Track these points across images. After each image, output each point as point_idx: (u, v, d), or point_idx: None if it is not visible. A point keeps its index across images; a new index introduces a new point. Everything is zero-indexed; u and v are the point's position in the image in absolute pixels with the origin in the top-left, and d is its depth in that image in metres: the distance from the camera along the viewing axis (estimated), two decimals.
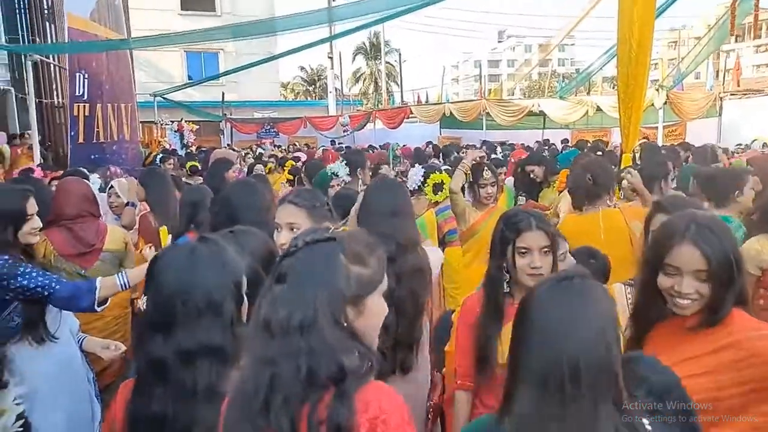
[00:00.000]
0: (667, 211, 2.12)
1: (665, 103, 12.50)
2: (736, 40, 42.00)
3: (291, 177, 6.95)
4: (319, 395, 1.12)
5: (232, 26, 13.63)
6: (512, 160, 7.50)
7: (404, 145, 13.28)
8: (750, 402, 1.44)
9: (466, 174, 3.90)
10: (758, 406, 1.44)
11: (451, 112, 15.82)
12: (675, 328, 1.60)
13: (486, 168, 3.90)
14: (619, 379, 1.11)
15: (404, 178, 5.05)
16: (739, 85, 15.21)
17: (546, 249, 1.98)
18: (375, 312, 1.26)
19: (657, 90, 11.96)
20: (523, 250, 1.98)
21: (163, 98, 16.38)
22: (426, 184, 4.36)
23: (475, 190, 3.94)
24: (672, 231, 1.55)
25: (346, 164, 4.55)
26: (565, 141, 13.23)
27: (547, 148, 11.33)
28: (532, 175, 5.84)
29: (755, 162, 4.92)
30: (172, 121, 14.98)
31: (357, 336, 1.20)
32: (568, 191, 3.66)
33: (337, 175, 4.52)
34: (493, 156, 8.02)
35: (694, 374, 1.45)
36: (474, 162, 3.92)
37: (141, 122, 11.75)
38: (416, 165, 5.42)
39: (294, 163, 8.41)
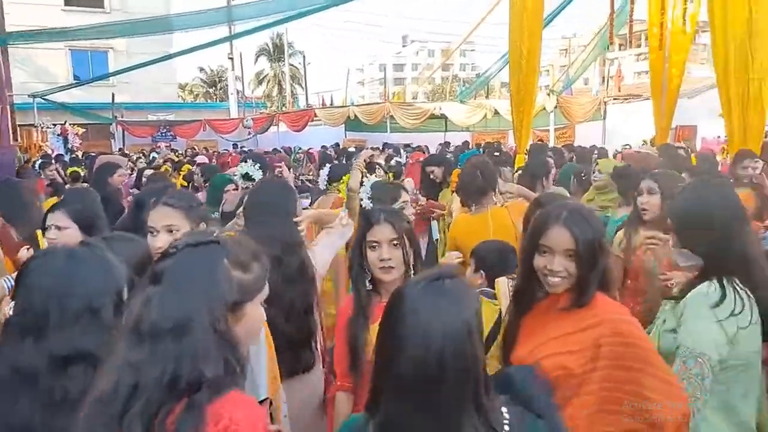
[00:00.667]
0: (544, 207, 2.21)
1: (556, 107, 13.31)
2: (619, 49, 45.69)
3: (186, 183, 6.61)
4: (173, 404, 1.08)
5: (126, 23, 12.85)
6: (411, 162, 7.60)
7: (310, 149, 13.20)
8: (605, 378, 1.56)
9: (362, 172, 3.95)
10: (613, 383, 1.57)
11: (355, 115, 15.87)
12: (547, 308, 1.74)
13: (378, 167, 3.99)
14: (482, 378, 1.13)
15: (305, 181, 5.02)
16: (620, 91, 16.42)
17: (395, 242, 1.98)
18: (253, 319, 1.26)
19: (548, 94, 12.70)
20: (373, 244, 1.99)
21: (44, 99, 15.12)
22: (341, 181, 4.38)
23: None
24: (547, 216, 1.72)
25: (259, 167, 4.36)
26: (465, 143, 13.64)
27: (450, 150, 11.62)
28: (432, 176, 5.91)
29: (629, 159, 5.25)
30: (55, 124, 13.86)
31: (231, 343, 1.17)
32: (456, 190, 3.74)
33: (252, 178, 4.31)
34: (396, 159, 8.08)
35: (560, 352, 1.60)
36: (367, 161, 3.98)
37: (19, 125, 10.75)
38: (325, 165, 5.38)
39: (191, 167, 8.01)
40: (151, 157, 12.56)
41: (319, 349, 2.45)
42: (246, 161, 4.38)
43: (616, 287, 1.78)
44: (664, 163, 4.96)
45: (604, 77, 18.65)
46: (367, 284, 2.03)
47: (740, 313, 1.80)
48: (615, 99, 15.70)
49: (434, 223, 5.36)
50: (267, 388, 1.98)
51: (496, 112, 13.62)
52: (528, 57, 7.20)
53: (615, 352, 1.57)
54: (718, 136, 11.78)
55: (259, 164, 4.25)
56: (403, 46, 78.25)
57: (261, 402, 1.88)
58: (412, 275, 1.99)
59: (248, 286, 1.22)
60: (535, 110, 13.41)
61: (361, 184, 4.01)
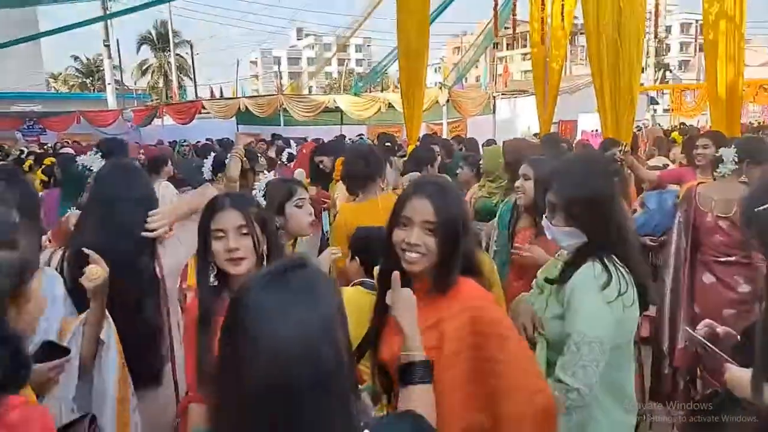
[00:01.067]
0: None
1: (448, 100, 13.62)
2: (507, 49, 48.20)
3: (46, 178, 5.87)
4: None
5: None
6: (304, 152, 7.35)
7: (198, 142, 12.51)
8: (468, 371, 1.46)
9: (242, 161, 3.73)
10: (476, 376, 1.46)
11: (247, 108, 15.26)
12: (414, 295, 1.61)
13: (260, 155, 3.76)
14: (350, 387, 0.97)
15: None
16: (506, 86, 17.17)
17: (244, 229, 1.76)
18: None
19: (440, 88, 12.95)
20: (219, 234, 1.76)
21: None
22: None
23: (249, 177, 3.85)
24: (411, 187, 1.61)
25: (101, 156, 3.88)
26: (360, 136, 13.56)
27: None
28: (321, 166, 5.71)
29: (511, 148, 5.36)
30: None
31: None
32: (342, 178, 3.57)
33: (91, 170, 3.84)
34: (288, 150, 7.75)
35: (425, 347, 1.44)
36: (247, 148, 3.74)
37: None
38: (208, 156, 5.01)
39: (54, 160, 7.17)
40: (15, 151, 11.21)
41: (170, 358, 2.15)
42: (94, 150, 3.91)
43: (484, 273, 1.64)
44: (546, 151, 5.11)
45: (493, 74, 19.47)
46: (212, 279, 1.77)
47: (625, 292, 1.76)
48: (503, 94, 16.42)
49: (325, 215, 5.17)
50: (115, 388, 1.84)
51: (391, 106, 13.67)
52: (416, 48, 7.24)
53: (477, 343, 1.46)
54: (596, 130, 12.58)
55: (101, 153, 3.80)
56: (298, 39, 77.03)
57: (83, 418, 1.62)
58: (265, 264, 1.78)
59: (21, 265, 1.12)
60: (429, 103, 13.78)
61: (253, 176, 3.74)
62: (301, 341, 0.90)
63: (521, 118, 14.69)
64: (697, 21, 45.22)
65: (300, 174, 6.29)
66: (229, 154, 3.85)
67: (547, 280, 1.93)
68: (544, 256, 2.61)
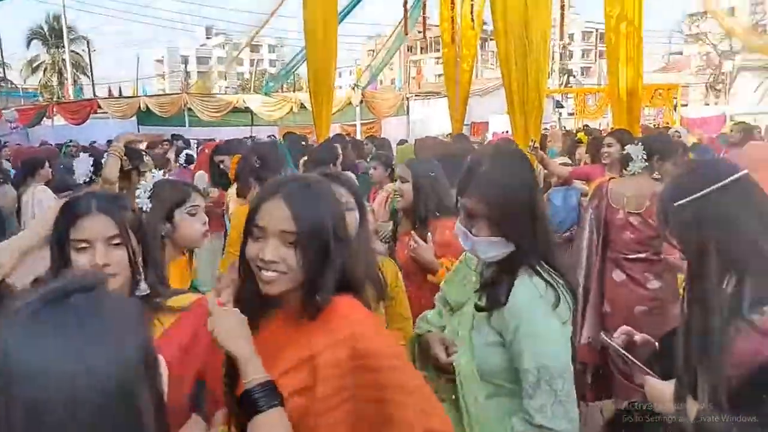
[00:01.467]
0: None
1: (361, 101, 13.48)
2: (421, 52, 49.11)
3: None
4: None
5: None
6: (207, 152, 6.89)
7: (93, 142, 11.60)
8: (349, 415, 1.16)
9: (122, 159, 3.42)
10: (360, 422, 1.16)
11: (148, 107, 14.34)
12: (276, 326, 1.27)
13: (146, 154, 3.40)
14: None
15: None
16: (420, 87, 17.33)
17: (116, 240, 1.39)
18: None
19: (353, 88, 12.78)
20: (82, 245, 1.37)
21: None
22: None
23: (134, 179, 3.48)
24: (266, 188, 1.28)
25: None
26: (271, 137, 13.10)
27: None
28: (222, 166, 5.32)
29: (418, 143, 5.28)
30: None
31: None
32: (234, 178, 3.26)
33: None
34: (186, 151, 7.23)
35: (295, 389, 1.15)
36: (128, 146, 3.36)
37: None
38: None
39: None
40: None
41: None
42: None
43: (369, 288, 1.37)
44: (459, 150, 5.03)
45: (407, 76, 19.62)
46: None
47: (570, 304, 1.54)
48: (417, 96, 16.54)
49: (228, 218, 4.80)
50: None
51: (303, 106, 13.33)
52: (324, 47, 7.01)
53: (360, 381, 1.16)
54: (506, 131, 12.87)
55: None
56: (207, 38, 74.26)
57: None
58: (142, 281, 1.42)
59: None
60: (341, 104, 13.57)
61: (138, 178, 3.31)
62: (80, 406, 0.64)
63: (434, 120, 14.81)
64: (597, 30, 48.16)
65: (201, 177, 5.86)
66: (105, 153, 3.43)
67: (478, 308, 1.61)
68: (429, 258, 2.45)
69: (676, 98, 13.83)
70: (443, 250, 2.52)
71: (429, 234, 2.55)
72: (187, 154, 6.79)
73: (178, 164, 6.71)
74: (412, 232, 2.60)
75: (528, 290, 1.51)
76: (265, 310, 1.27)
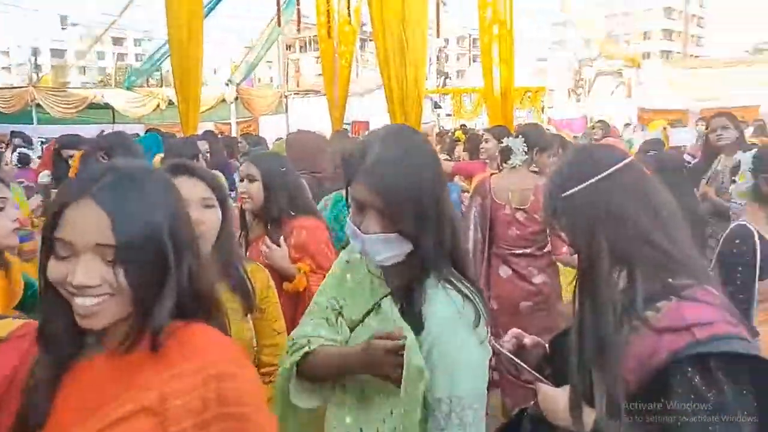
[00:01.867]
0: None
1: (236, 98, 12.86)
2: (300, 51, 48.56)
3: None
4: None
5: None
6: (52, 148, 6.12)
7: None
8: None
9: None
10: None
11: None
12: (99, 366, 0.94)
13: None
14: None
15: None
16: (298, 86, 17.00)
17: None
18: None
19: (226, 84, 12.14)
20: None
21: None
22: None
23: None
24: (67, 190, 0.93)
25: None
26: (136, 136, 12.07)
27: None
28: (70, 162, 4.73)
29: (290, 139, 5.08)
30: None
31: None
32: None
33: None
34: (20, 150, 6.38)
35: None
36: None
37: None
38: None
39: None
40: None
41: None
42: None
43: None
44: (336, 146, 4.88)
45: (286, 74, 19.15)
46: None
47: (486, 319, 1.33)
48: (296, 93, 16.18)
49: None
50: None
51: (172, 102, 12.43)
52: (189, 39, 6.50)
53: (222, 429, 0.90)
54: None
55: None
56: (63, 28, 67.56)
57: None
58: None
59: None
60: (215, 101, 12.84)
61: None
62: None
63: (314, 118, 14.56)
64: (470, 35, 50.61)
65: (45, 177, 5.17)
66: None
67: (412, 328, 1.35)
68: (284, 264, 2.24)
69: (543, 101, 14.75)
70: (300, 252, 2.29)
71: (282, 237, 2.31)
72: (20, 153, 5.96)
73: (12, 164, 5.86)
74: (265, 236, 2.34)
75: (444, 307, 1.27)
76: (82, 346, 0.96)
